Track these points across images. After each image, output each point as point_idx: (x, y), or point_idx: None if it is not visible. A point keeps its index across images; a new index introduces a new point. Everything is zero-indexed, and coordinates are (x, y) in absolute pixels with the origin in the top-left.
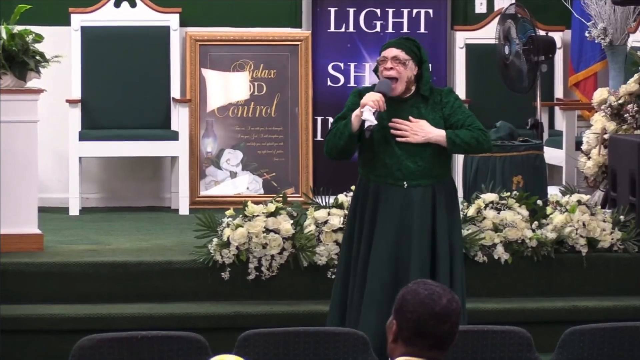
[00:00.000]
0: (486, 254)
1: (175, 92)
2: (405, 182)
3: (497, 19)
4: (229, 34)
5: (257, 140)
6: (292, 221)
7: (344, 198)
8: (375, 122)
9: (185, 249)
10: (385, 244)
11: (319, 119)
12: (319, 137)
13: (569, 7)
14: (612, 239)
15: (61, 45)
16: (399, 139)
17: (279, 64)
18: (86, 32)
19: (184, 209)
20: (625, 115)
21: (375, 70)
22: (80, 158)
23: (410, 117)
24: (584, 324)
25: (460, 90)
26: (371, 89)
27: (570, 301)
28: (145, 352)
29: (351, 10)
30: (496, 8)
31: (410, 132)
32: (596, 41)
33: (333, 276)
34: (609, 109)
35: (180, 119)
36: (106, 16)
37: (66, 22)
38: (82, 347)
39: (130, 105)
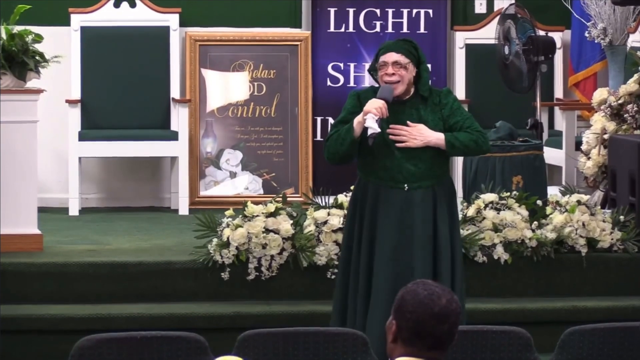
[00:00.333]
0: (486, 254)
1: (174, 92)
2: (406, 185)
3: (496, 19)
4: (229, 34)
5: (256, 141)
6: (291, 221)
7: (344, 198)
8: (379, 130)
9: (185, 249)
10: (388, 247)
11: (319, 119)
12: (318, 137)
13: (569, 7)
14: (612, 239)
15: (61, 46)
16: (398, 145)
17: (278, 64)
18: (86, 32)
19: (183, 209)
20: (625, 116)
21: (371, 71)
22: (79, 158)
23: (409, 122)
24: (584, 324)
25: (460, 91)
26: (369, 90)
27: (570, 301)
28: (145, 352)
29: (351, 11)
30: (496, 8)
31: (409, 137)
32: (596, 41)
33: (333, 276)
34: (609, 109)
35: (179, 119)
36: (106, 16)
37: (66, 22)
38: (81, 348)
39: (130, 106)
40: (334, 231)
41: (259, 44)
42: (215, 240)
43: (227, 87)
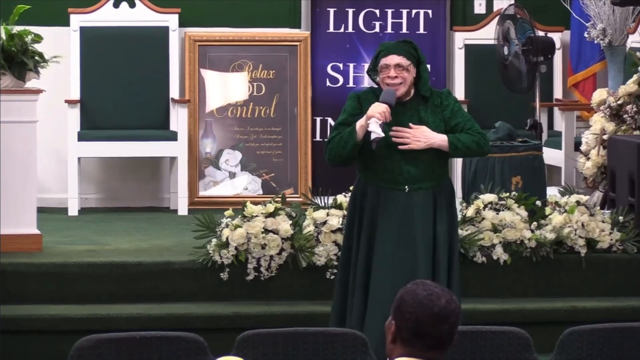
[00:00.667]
0: (485, 254)
1: (174, 92)
2: (406, 187)
3: (496, 20)
4: (228, 35)
5: (256, 141)
6: (291, 222)
7: (343, 199)
8: (382, 135)
9: (184, 250)
10: (388, 248)
11: (318, 119)
12: (317, 138)
13: (568, 8)
14: (611, 239)
15: (60, 46)
16: (401, 147)
17: (278, 65)
18: (85, 32)
19: (182, 209)
20: (624, 116)
21: (370, 73)
22: (79, 158)
23: (410, 124)
24: (583, 324)
25: (460, 91)
26: (369, 92)
27: (569, 302)
28: (144, 352)
29: (350, 11)
30: (495, 9)
31: (412, 139)
32: (595, 42)
33: (332, 277)
34: (608, 109)
35: (179, 119)
36: (105, 16)
37: (65, 23)
38: (80, 348)
39: (129, 106)
40: (333, 231)
41: (258, 44)
42: (214, 240)
43: (227, 88)
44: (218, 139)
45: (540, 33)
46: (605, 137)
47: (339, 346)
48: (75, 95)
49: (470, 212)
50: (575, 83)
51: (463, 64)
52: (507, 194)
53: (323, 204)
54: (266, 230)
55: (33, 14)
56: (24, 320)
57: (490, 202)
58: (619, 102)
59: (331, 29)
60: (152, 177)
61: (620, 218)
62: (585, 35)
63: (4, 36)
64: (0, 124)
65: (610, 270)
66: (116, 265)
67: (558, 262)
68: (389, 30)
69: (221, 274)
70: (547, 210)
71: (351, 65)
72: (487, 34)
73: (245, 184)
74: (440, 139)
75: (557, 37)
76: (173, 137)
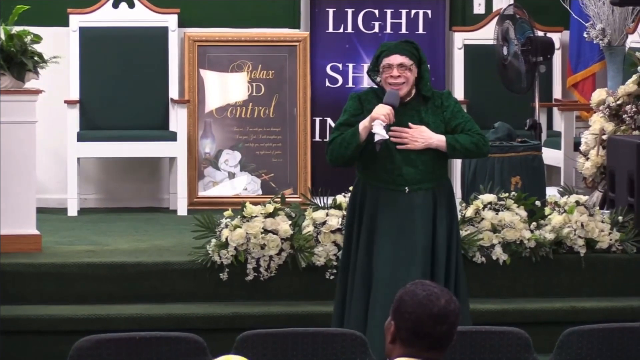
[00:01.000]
0: (484, 254)
1: (173, 92)
2: (406, 187)
3: (495, 20)
4: (228, 35)
5: (255, 141)
6: (290, 222)
7: (342, 199)
8: (387, 137)
9: (184, 250)
10: (388, 249)
11: (317, 119)
12: (317, 138)
13: (568, 8)
14: (611, 239)
15: (59, 46)
16: (399, 147)
17: (277, 65)
18: (84, 32)
19: (182, 209)
20: (623, 116)
21: (370, 73)
22: (78, 159)
23: (410, 124)
24: (583, 324)
25: (459, 91)
26: (370, 92)
27: (569, 302)
28: (144, 352)
29: (349, 11)
30: (494, 9)
31: (410, 139)
32: (594, 42)
33: (331, 277)
34: (608, 109)
35: (178, 119)
36: (104, 17)
37: (64, 23)
38: (80, 348)
39: (128, 106)
40: (333, 232)
41: (257, 45)
42: (213, 240)
43: (226, 88)
44: (217, 139)
45: (540, 33)
46: (604, 137)
47: (339, 346)
48: (75, 95)
49: (469, 212)
50: (574, 83)
51: (462, 64)
52: (507, 194)
53: (322, 204)
54: (265, 231)
55: (32, 14)
56: (23, 320)
57: (490, 203)
58: (618, 102)
59: (330, 29)
60: (151, 178)
61: (620, 218)
62: (585, 35)
63: (3, 36)
64: None
65: (609, 270)
66: (115, 265)
67: (557, 262)
68: (388, 30)
69: (220, 274)
70: (547, 210)
71: (350, 66)
72: (486, 34)
73: (245, 184)
74: (438, 140)
75: (556, 37)
76: (172, 137)
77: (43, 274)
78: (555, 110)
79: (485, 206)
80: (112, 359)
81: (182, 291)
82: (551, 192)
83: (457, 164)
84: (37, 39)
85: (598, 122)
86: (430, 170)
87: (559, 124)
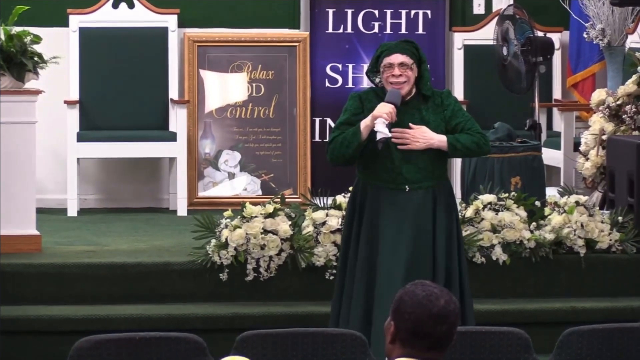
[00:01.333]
0: (484, 255)
1: (173, 93)
2: (407, 186)
3: (495, 20)
4: (227, 35)
5: (255, 141)
6: (290, 222)
7: (342, 199)
8: (389, 135)
9: (183, 250)
10: (388, 248)
11: (317, 120)
12: (316, 138)
13: (567, 8)
14: (611, 240)
15: (59, 46)
16: (400, 147)
17: (277, 65)
18: (84, 33)
19: (182, 210)
20: (623, 116)
21: (369, 73)
22: (78, 159)
23: (411, 124)
24: (583, 325)
25: (459, 92)
26: (370, 92)
27: (569, 302)
28: (144, 353)
29: (349, 12)
30: (494, 9)
31: (411, 139)
32: (594, 42)
33: (331, 277)
34: (607, 110)
35: (178, 120)
36: (104, 17)
37: (64, 23)
38: (80, 348)
39: (128, 106)
40: (333, 232)
41: (257, 45)
42: (213, 241)
43: (226, 88)
44: (217, 140)
45: (540, 33)
46: (604, 137)
47: (339, 346)
48: (75, 95)
49: (469, 212)
50: (574, 83)
51: (462, 65)
52: (507, 194)
53: (322, 205)
54: (265, 231)
55: (32, 14)
56: (23, 321)
57: (490, 203)
58: (618, 102)
59: (330, 30)
60: (151, 178)
61: (620, 218)
62: (585, 35)
63: (3, 37)
64: None
65: (609, 270)
66: (115, 266)
67: (557, 263)
68: (388, 30)
69: (220, 274)
70: (547, 210)
71: (350, 66)
72: (486, 35)
73: (245, 185)
74: (439, 139)
75: (556, 37)
76: (172, 137)
77: (43, 274)
78: (555, 110)
79: (485, 206)
80: (112, 359)
81: (182, 291)
82: (551, 193)
83: (457, 164)
84: (37, 39)
85: (598, 122)
86: (431, 169)
87: (558, 124)
